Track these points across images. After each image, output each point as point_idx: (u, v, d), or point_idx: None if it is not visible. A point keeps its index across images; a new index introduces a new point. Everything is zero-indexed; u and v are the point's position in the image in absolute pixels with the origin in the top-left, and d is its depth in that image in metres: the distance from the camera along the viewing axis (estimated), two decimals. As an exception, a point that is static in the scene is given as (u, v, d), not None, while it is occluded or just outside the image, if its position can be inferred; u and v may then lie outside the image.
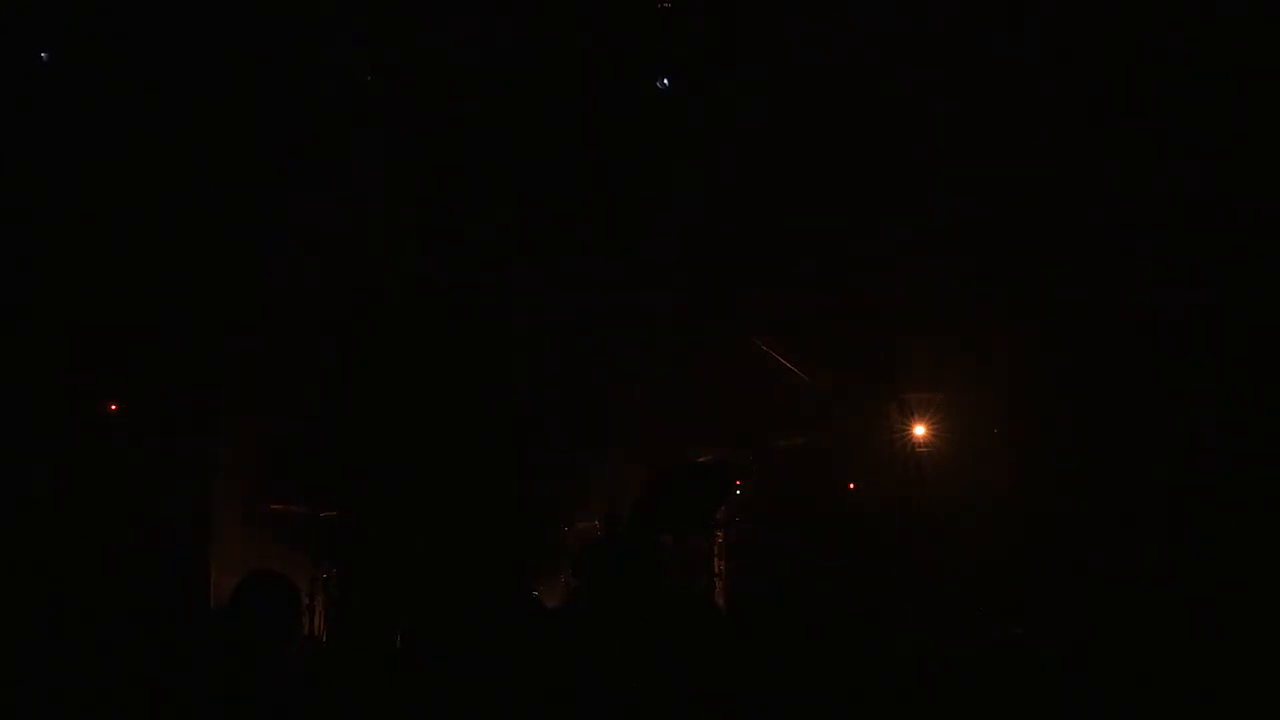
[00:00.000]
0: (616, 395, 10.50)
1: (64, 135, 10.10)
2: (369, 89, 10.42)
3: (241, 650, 6.06)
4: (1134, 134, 9.98)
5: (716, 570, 9.66)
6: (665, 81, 10.53)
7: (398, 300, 10.39)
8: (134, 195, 10.23)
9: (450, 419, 10.17)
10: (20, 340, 10.07)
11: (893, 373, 9.95)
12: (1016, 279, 10.37)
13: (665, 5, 10.28)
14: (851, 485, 10.28)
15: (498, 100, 10.47)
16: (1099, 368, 10.23)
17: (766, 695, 5.93)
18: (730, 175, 10.42)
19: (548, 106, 10.50)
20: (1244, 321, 9.96)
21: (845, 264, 10.35)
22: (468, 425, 10.17)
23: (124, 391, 10.32)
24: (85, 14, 9.98)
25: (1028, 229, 10.34)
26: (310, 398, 10.15)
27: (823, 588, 9.73)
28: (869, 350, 10.28)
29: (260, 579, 6.37)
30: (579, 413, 10.45)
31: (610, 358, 10.62)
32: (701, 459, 9.54)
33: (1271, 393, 9.88)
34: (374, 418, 10.22)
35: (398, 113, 10.38)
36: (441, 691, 6.20)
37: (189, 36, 10.02)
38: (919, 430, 10.03)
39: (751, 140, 10.38)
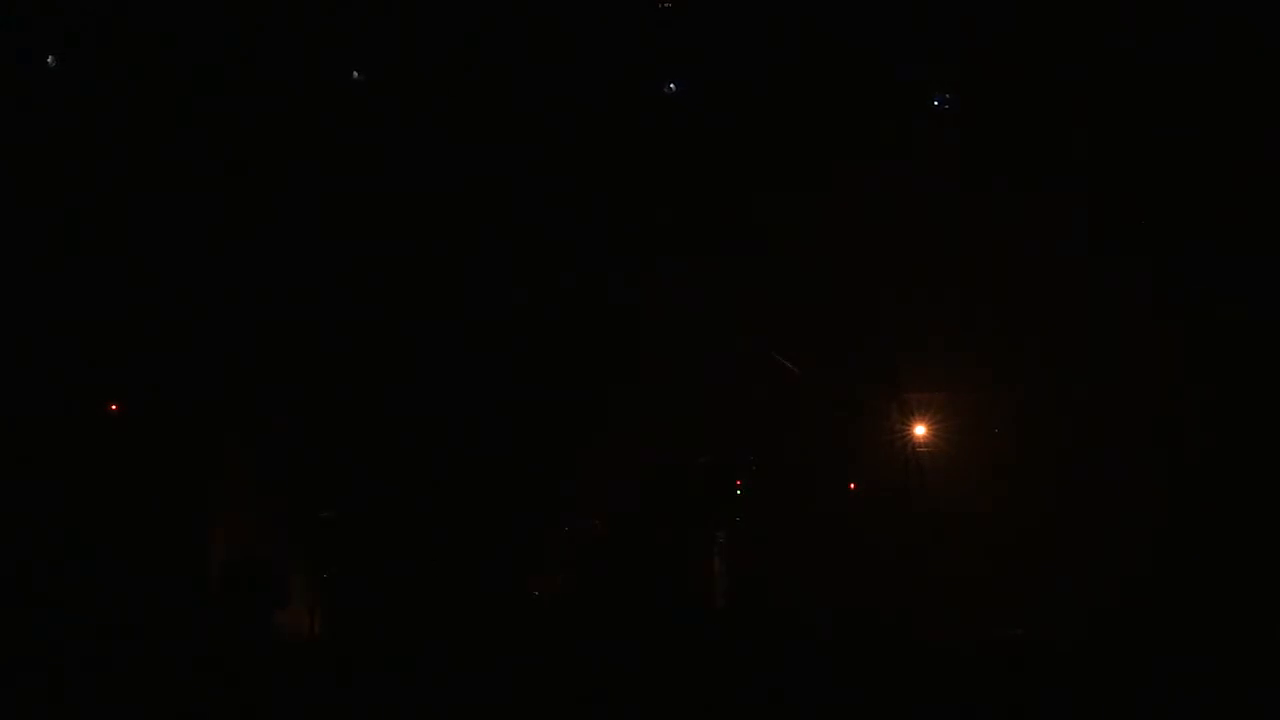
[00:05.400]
0: (618, 396, 10.48)
1: (63, 135, 10.10)
2: (364, 88, 10.40)
3: (234, 632, 6.08)
4: (1134, 134, 9.97)
5: (716, 570, 9.65)
6: (673, 86, 10.50)
7: (398, 299, 10.37)
8: (135, 195, 10.22)
9: (451, 419, 10.16)
10: (20, 340, 10.07)
11: (893, 373, 9.94)
12: (1017, 281, 10.37)
13: (666, 5, 10.26)
14: (852, 485, 10.27)
15: (500, 101, 10.45)
16: (1098, 368, 10.23)
17: (766, 694, 5.93)
18: (733, 177, 10.41)
19: (550, 107, 10.48)
20: (1244, 322, 9.95)
21: (847, 265, 10.34)
22: (469, 425, 10.16)
23: (124, 391, 10.30)
24: (82, 14, 9.97)
25: (1028, 230, 10.33)
26: (311, 398, 10.14)
27: (823, 588, 9.73)
28: (869, 350, 10.26)
29: (241, 563, 6.41)
30: (580, 413, 10.43)
31: (612, 358, 10.60)
32: (701, 459, 9.53)
33: (1271, 393, 9.88)
34: (375, 418, 10.20)
35: (396, 113, 10.36)
36: (441, 691, 6.20)
37: (186, 36, 10.02)
38: (919, 430, 10.02)
39: (754, 141, 10.37)
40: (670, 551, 8.36)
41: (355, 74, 10.36)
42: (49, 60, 10.01)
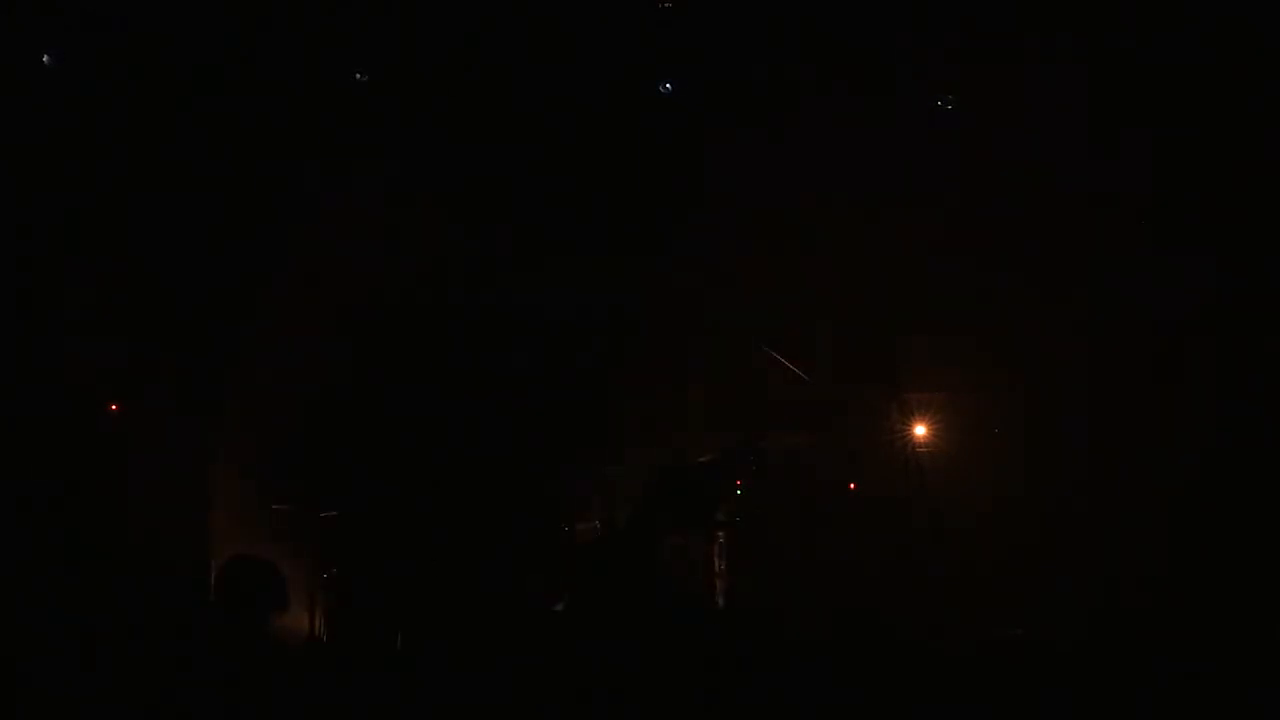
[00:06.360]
0: (617, 395, 10.49)
1: (63, 134, 10.10)
2: (365, 88, 10.42)
3: (233, 635, 6.08)
4: (1135, 132, 9.98)
5: (716, 570, 9.65)
6: (668, 86, 10.53)
7: (399, 299, 10.38)
8: (133, 194, 10.23)
9: (451, 419, 10.16)
10: (20, 339, 10.08)
11: (893, 373, 9.95)
12: (1017, 279, 10.38)
13: (666, 5, 10.27)
14: (852, 485, 10.27)
15: (499, 101, 10.46)
16: (1100, 367, 10.23)
17: (766, 696, 5.92)
18: (731, 175, 10.42)
19: (549, 107, 10.49)
20: (1246, 321, 9.96)
21: (846, 263, 10.35)
22: (469, 425, 10.17)
23: (124, 391, 10.31)
24: (81, 13, 9.98)
25: (1029, 228, 10.34)
26: (311, 397, 10.15)
27: (823, 588, 9.73)
28: (869, 350, 10.27)
29: (241, 564, 6.42)
30: (579, 413, 10.44)
31: (610, 358, 10.61)
32: (701, 459, 9.52)
33: (1273, 393, 9.89)
34: (375, 417, 10.21)
35: (397, 112, 10.37)
36: (441, 691, 6.20)
37: (185, 35, 10.02)
38: (919, 430, 10.02)
39: (752, 140, 10.37)
40: (670, 551, 8.34)
41: (358, 75, 10.39)
42: (45, 59, 10.02)
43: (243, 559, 6.48)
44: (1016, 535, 9.94)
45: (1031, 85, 10.08)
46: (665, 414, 10.31)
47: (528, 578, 9.34)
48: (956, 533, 9.89)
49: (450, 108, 10.38)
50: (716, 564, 9.68)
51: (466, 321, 10.42)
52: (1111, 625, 8.69)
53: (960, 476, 10.05)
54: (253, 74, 10.22)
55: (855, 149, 10.30)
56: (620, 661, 5.93)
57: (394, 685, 6.38)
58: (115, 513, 9.98)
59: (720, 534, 9.69)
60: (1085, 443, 10.20)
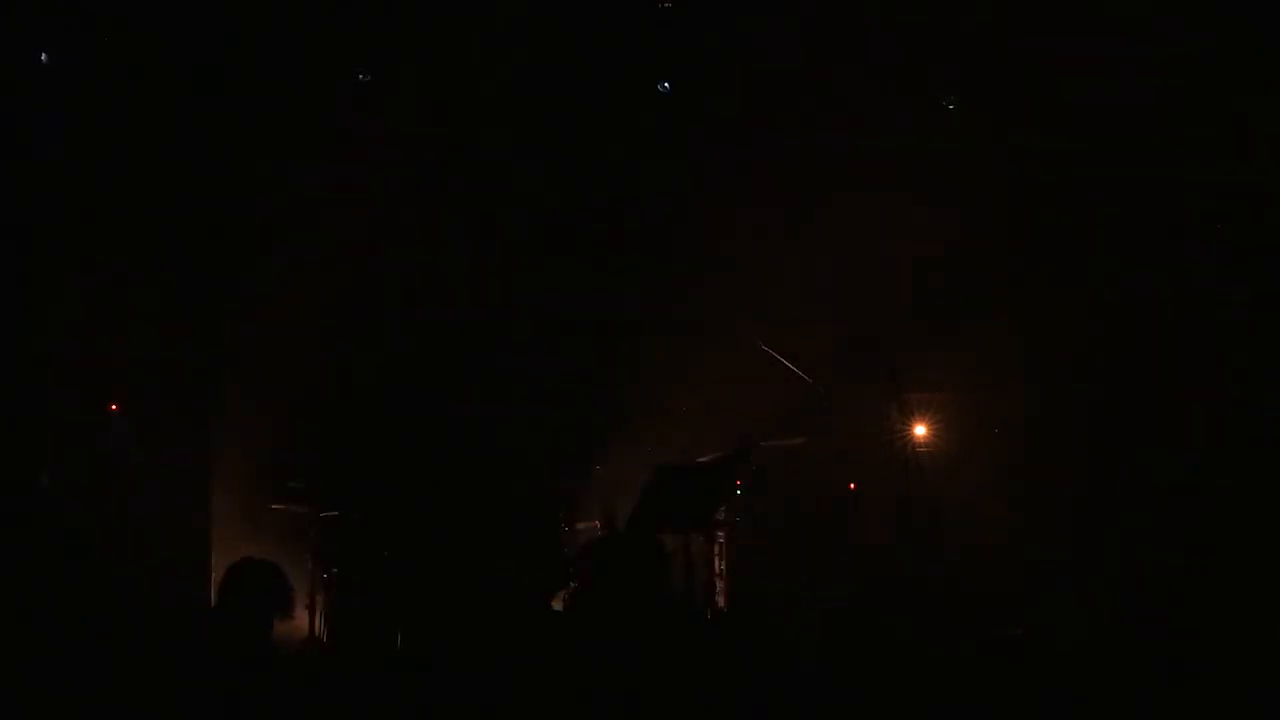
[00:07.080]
0: (617, 395, 10.49)
1: (61, 134, 10.10)
2: (366, 88, 10.42)
3: (235, 636, 6.08)
4: (1135, 132, 9.99)
5: (716, 570, 9.65)
6: (666, 85, 10.54)
7: (399, 300, 10.38)
8: (131, 194, 10.23)
9: (452, 419, 10.16)
10: (20, 339, 10.08)
11: (893, 373, 9.95)
12: (1018, 279, 10.38)
13: (666, 5, 10.28)
14: (852, 485, 10.27)
15: (497, 100, 10.47)
16: (1100, 367, 10.24)
17: (766, 695, 5.93)
18: (730, 175, 10.42)
19: (548, 107, 10.50)
20: (1246, 320, 9.97)
21: (846, 264, 10.35)
22: (469, 425, 10.16)
23: (123, 391, 10.31)
24: (81, 13, 9.99)
25: (1029, 228, 10.35)
26: (311, 396, 10.15)
27: (823, 588, 9.73)
28: (869, 350, 10.27)
29: (246, 566, 6.42)
30: (580, 413, 10.44)
31: (610, 358, 10.61)
32: (701, 459, 9.53)
33: (1273, 392, 9.89)
34: (376, 417, 10.20)
35: (396, 111, 10.37)
36: (441, 691, 6.20)
37: (185, 35, 10.03)
38: (919, 430, 10.01)
39: (751, 139, 10.38)
40: (670, 552, 8.35)
41: (361, 76, 10.40)
42: (45, 59, 10.02)
43: (247, 561, 6.48)
44: (1016, 535, 9.94)
45: (1031, 85, 10.09)
46: (665, 414, 10.31)
47: (528, 578, 9.33)
48: (956, 533, 9.88)
49: (450, 108, 10.37)
50: (716, 564, 9.68)
51: (467, 321, 10.42)
52: (1111, 625, 8.70)
53: (960, 476, 10.04)
54: (253, 74, 10.21)
55: (855, 148, 10.30)
56: (620, 661, 5.93)
57: (394, 685, 6.39)
58: (115, 513, 9.97)
59: (720, 534, 9.69)
60: (1085, 443, 10.20)
